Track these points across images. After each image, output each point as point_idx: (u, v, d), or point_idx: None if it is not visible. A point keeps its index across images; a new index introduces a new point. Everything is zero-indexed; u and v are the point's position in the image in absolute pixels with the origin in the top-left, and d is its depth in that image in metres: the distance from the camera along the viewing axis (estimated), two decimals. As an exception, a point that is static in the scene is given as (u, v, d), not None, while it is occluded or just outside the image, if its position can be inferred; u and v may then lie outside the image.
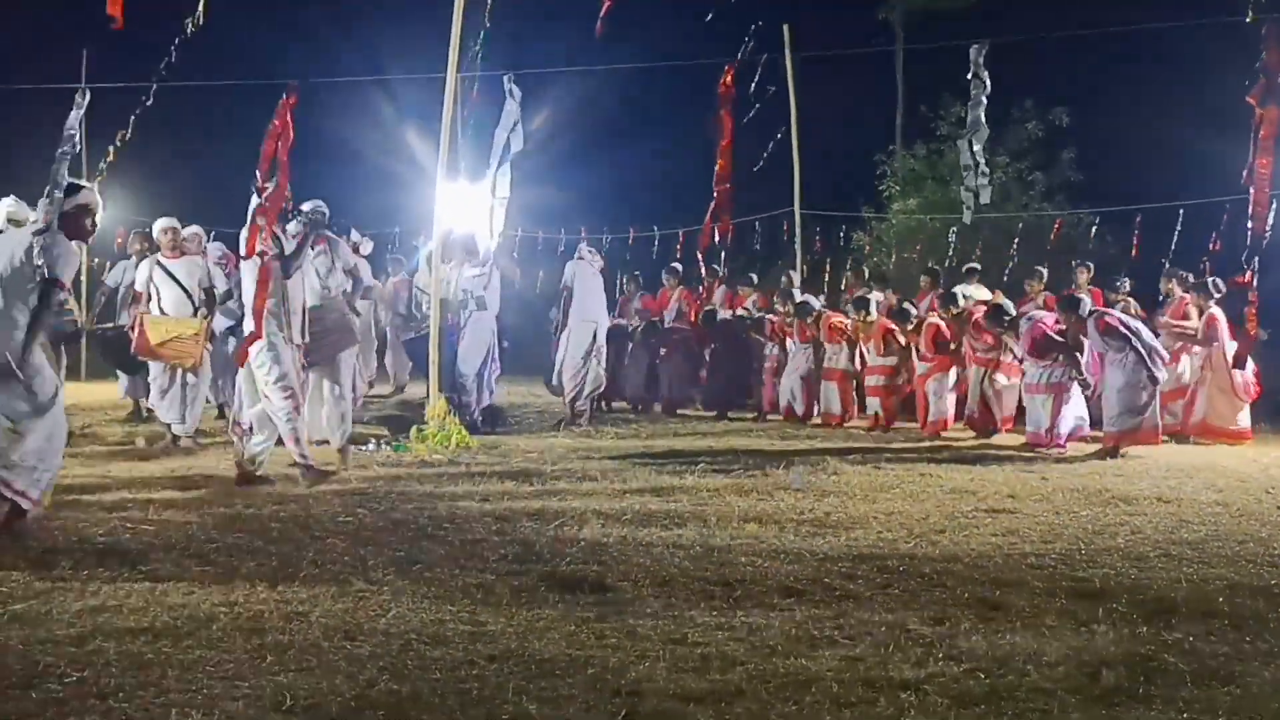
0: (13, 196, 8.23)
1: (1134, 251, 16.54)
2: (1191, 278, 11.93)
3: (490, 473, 8.33)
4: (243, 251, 7.74)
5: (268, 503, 6.96)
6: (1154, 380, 9.75)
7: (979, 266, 14.89)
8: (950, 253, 16.13)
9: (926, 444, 10.67)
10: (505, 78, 10.64)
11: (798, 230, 16.78)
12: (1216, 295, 11.22)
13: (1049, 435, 10.25)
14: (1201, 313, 11.26)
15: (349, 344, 9.04)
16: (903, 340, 12.03)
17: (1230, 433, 11.00)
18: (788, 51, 15.57)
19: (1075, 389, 10.31)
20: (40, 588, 4.87)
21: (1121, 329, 9.82)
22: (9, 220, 7.84)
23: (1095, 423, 10.36)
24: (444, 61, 10.26)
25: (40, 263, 5.81)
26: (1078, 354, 10.22)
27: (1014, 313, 11.10)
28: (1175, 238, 15.16)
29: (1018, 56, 16.92)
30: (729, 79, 11.13)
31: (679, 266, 15.78)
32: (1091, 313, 10.13)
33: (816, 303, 13.06)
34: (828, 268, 19.32)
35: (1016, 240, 18.93)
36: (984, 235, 19.89)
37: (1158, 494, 7.81)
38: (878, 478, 8.37)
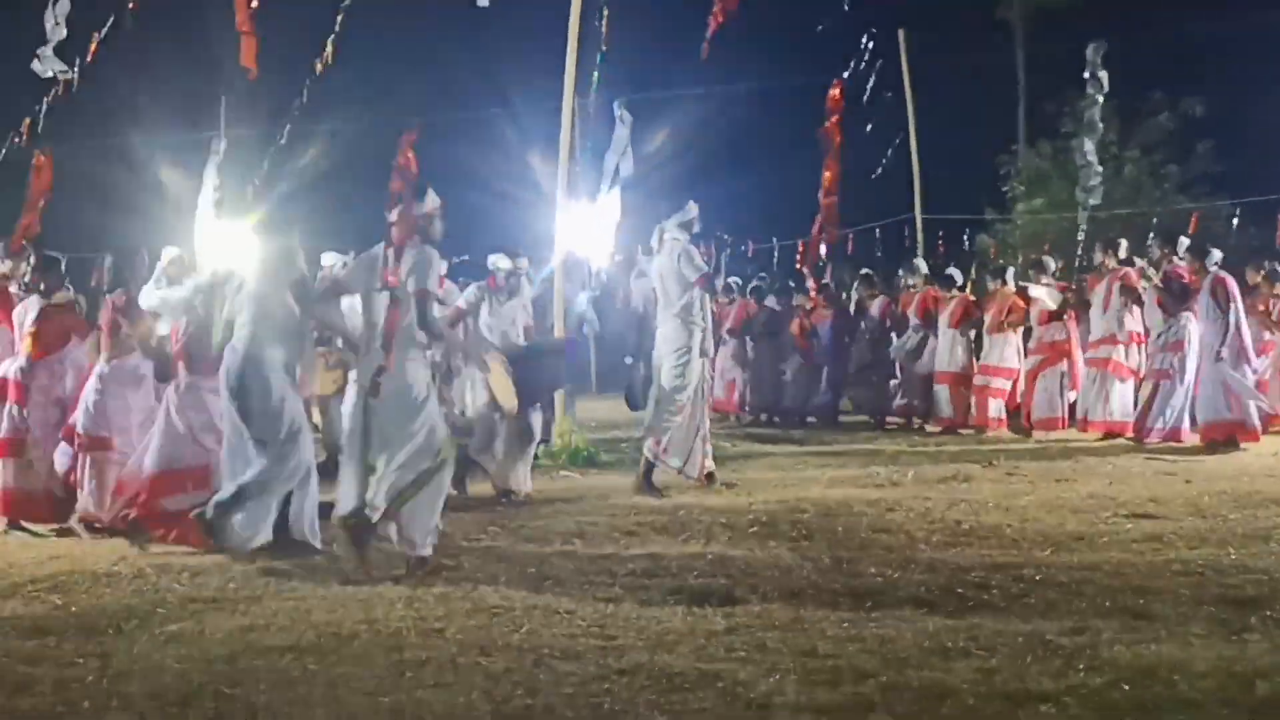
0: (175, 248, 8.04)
1: (1278, 241, 15.79)
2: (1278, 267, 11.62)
3: (615, 488, 8.40)
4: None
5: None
6: (1232, 365, 9.89)
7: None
8: (1079, 252, 15.64)
9: (1058, 448, 10.36)
10: (615, 104, 10.83)
11: (919, 235, 16.54)
12: None
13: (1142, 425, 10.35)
14: None
15: None
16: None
17: None
18: (904, 57, 15.42)
19: (1180, 381, 10.20)
20: (194, 608, 5.11)
21: (1231, 298, 9.96)
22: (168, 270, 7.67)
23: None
24: (560, 89, 10.47)
25: (409, 275, 5.80)
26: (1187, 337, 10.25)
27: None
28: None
29: (1146, 47, 16.39)
30: (837, 91, 11.15)
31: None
32: (1216, 267, 10.25)
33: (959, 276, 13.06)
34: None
35: (1151, 235, 18.27)
36: (1116, 231, 19.27)
37: (1315, 495, 7.43)
38: (1010, 485, 8.18)
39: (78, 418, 6.94)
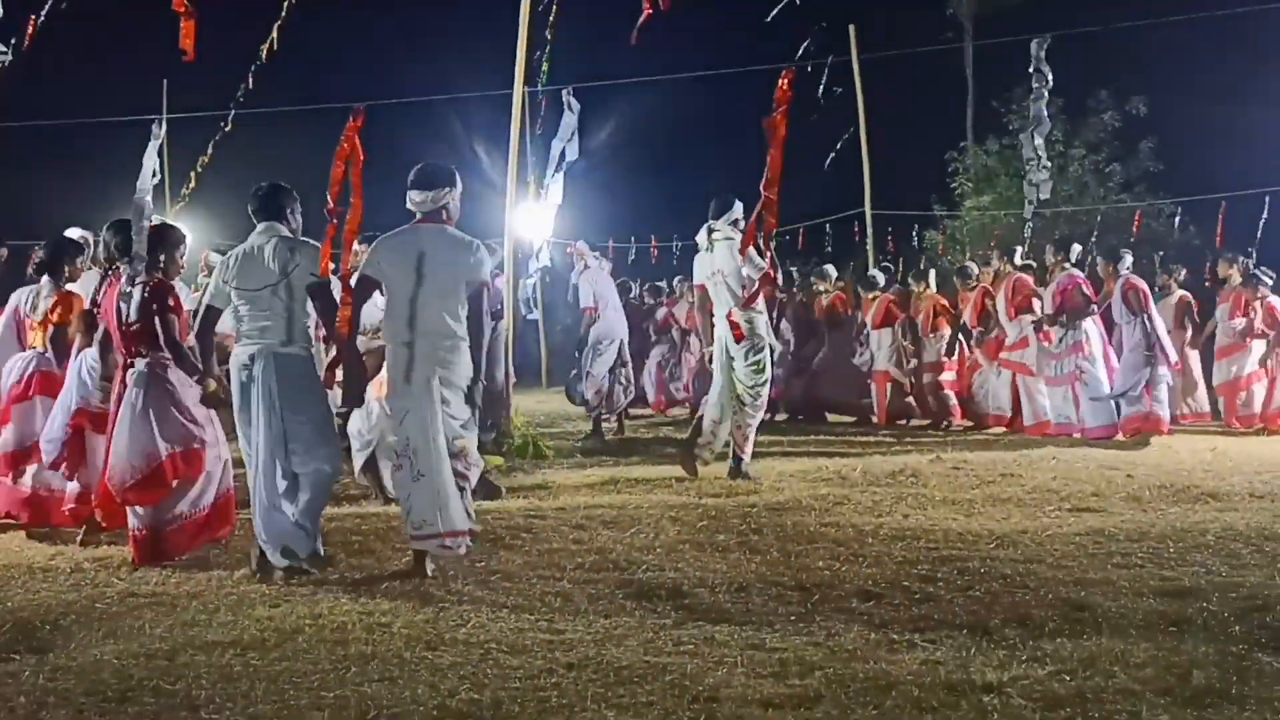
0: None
1: (1219, 241, 16.08)
2: (1251, 265, 11.97)
3: (566, 482, 8.38)
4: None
5: (349, 517, 7.07)
6: (1148, 364, 10.15)
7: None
8: (1026, 249, 15.87)
9: (1004, 443, 10.48)
10: (564, 91, 10.90)
11: (869, 231, 16.64)
12: (1269, 283, 11.48)
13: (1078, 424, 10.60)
14: (1262, 302, 11.46)
15: None
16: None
17: None
18: (854, 51, 15.47)
19: (1091, 379, 10.47)
20: (133, 604, 5.02)
21: (1142, 301, 10.28)
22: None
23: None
24: (510, 77, 10.42)
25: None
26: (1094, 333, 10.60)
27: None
28: (1262, 226, 14.74)
29: (1092, 47, 16.56)
30: (785, 83, 11.18)
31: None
32: (1128, 271, 10.62)
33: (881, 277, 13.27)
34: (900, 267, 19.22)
35: (1095, 234, 18.57)
36: (1061, 229, 19.59)
37: (1250, 489, 7.59)
38: (957, 479, 8.25)
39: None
